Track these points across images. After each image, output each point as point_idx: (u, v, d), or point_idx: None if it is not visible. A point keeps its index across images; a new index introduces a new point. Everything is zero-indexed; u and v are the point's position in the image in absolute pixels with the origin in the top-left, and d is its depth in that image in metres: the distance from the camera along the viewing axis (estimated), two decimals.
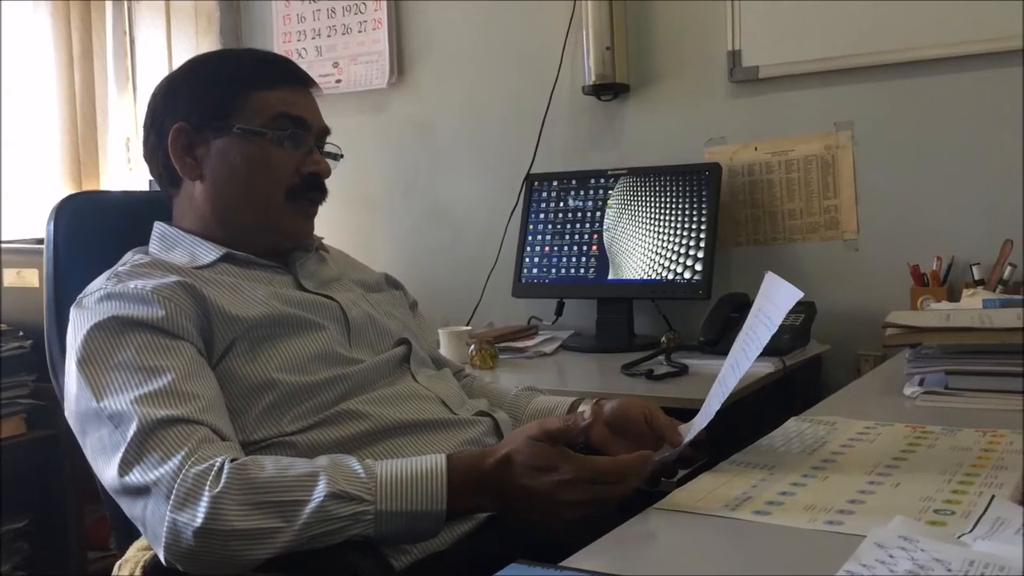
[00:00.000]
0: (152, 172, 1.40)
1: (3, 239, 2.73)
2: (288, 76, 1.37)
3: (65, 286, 1.36)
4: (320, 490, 1.03)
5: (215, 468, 1.03)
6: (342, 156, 1.45)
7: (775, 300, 1.16)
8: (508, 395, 1.53)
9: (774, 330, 1.13)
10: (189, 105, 1.33)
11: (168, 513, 1.02)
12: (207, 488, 1.02)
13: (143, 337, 1.15)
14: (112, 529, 1.35)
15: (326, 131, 1.41)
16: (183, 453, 1.05)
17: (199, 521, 1.00)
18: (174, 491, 1.02)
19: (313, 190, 1.37)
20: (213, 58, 1.44)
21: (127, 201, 1.64)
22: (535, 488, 1.06)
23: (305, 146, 1.36)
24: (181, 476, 1.03)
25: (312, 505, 1.02)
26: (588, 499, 1.06)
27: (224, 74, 1.36)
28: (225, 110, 1.32)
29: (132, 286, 1.19)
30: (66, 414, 1.20)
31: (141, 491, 1.05)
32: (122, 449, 1.07)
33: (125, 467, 1.06)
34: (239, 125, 1.31)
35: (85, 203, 1.49)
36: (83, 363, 1.14)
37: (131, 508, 1.08)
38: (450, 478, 1.07)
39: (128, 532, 1.29)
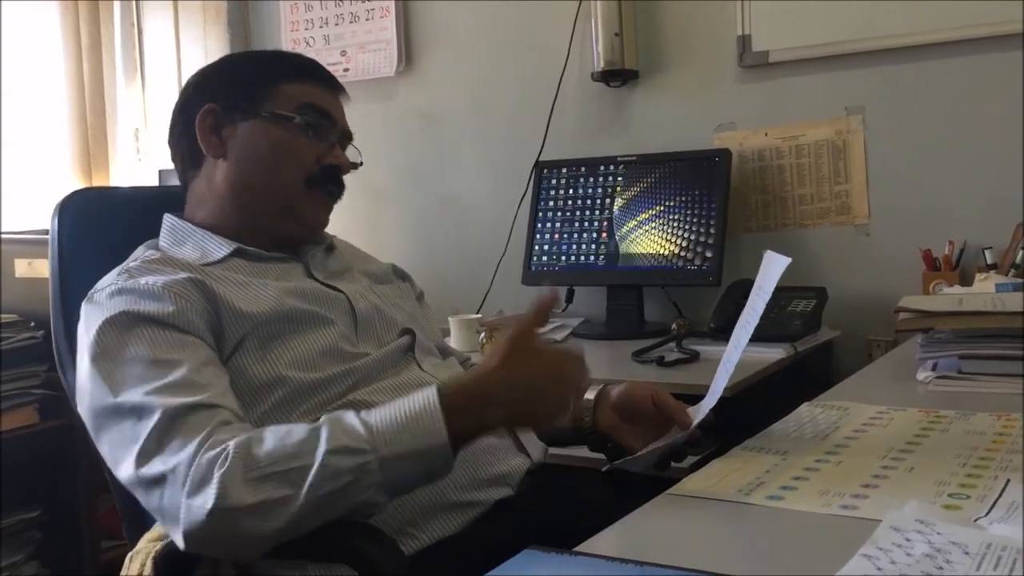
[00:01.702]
0: (173, 156, 1.42)
1: (15, 230, 2.74)
2: (318, 75, 1.41)
3: (71, 282, 1.36)
4: (321, 450, 1.02)
5: (225, 451, 1.03)
6: (361, 164, 1.46)
7: (768, 272, 1.17)
8: None
9: (767, 298, 1.14)
10: (220, 90, 1.36)
11: (183, 499, 1.02)
12: (216, 470, 1.02)
13: (155, 332, 1.15)
14: (123, 521, 1.36)
15: (349, 135, 1.44)
16: (200, 438, 1.05)
17: (211, 503, 1.00)
18: (189, 477, 1.02)
19: (331, 182, 1.38)
20: (247, 54, 1.49)
21: (131, 197, 1.65)
22: (518, 377, 1.08)
23: (328, 139, 1.38)
24: (196, 463, 1.03)
25: (316, 466, 1.02)
26: (565, 365, 1.13)
27: (256, 66, 1.41)
28: (255, 95, 1.34)
29: (143, 282, 1.19)
30: (79, 409, 1.20)
31: (158, 481, 1.05)
32: (140, 441, 1.07)
33: (143, 458, 1.06)
34: (267, 109, 1.34)
35: (89, 199, 1.50)
36: (96, 359, 1.14)
37: (148, 499, 1.08)
38: (444, 404, 1.05)
39: (139, 524, 1.29)
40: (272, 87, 1.35)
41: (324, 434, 1.04)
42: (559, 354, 1.15)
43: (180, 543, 1.05)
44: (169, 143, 1.42)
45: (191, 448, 1.04)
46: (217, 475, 1.01)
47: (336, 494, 1.02)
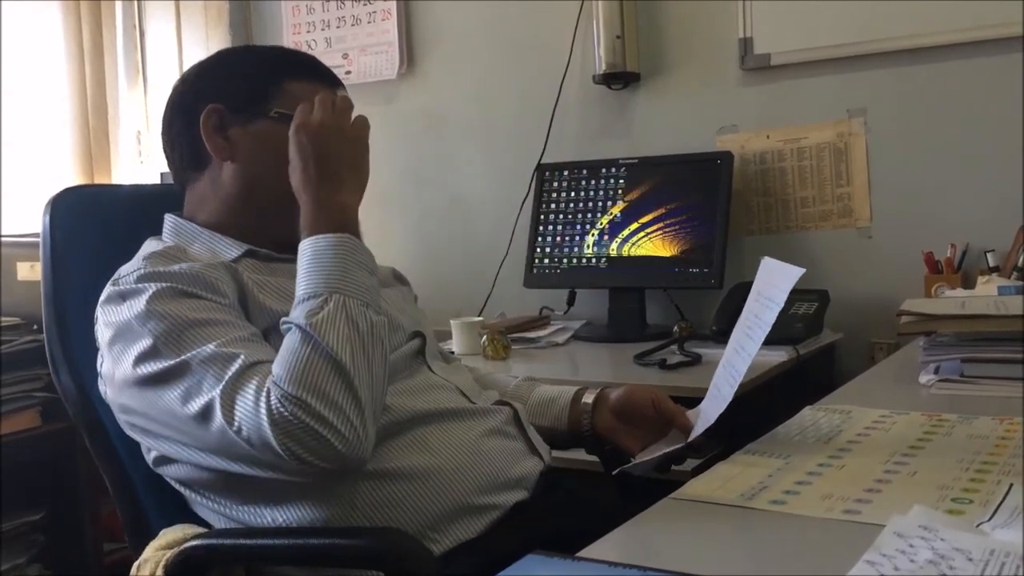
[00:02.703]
0: (171, 159, 1.38)
1: (16, 233, 2.74)
2: (319, 71, 1.39)
3: (63, 280, 1.34)
4: (305, 327, 1.08)
5: (270, 390, 1.06)
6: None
7: (776, 281, 1.16)
8: (508, 386, 1.53)
9: (778, 310, 1.13)
10: (224, 90, 1.33)
11: (273, 430, 1.03)
12: (274, 404, 1.04)
13: (204, 303, 1.16)
14: (124, 526, 1.34)
15: None
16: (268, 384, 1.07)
17: (299, 423, 1.03)
18: (268, 413, 1.04)
19: None
20: (245, 49, 1.48)
21: (124, 194, 1.61)
22: (308, 164, 1.21)
23: None
24: (268, 400, 1.05)
25: (317, 337, 1.07)
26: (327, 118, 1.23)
27: (259, 63, 1.39)
28: (262, 95, 1.32)
29: (176, 268, 1.19)
30: (111, 391, 1.18)
31: (245, 418, 1.05)
32: (219, 387, 1.07)
33: (227, 400, 1.06)
34: (276, 109, 1.31)
35: (80, 196, 1.46)
36: (154, 333, 1.12)
37: (234, 444, 1.06)
38: (310, 235, 1.18)
39: (141, 529, 1.28)
40: (277, 86, 1.33)
41: (295, 323, 1.10)
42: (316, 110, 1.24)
43: (292, 468, 1.05)
44: (164, 142, 1.39)
45: (266, 389, 1.06)
46: (274, 402, 1.04)
47: (351, 335, 1.09)
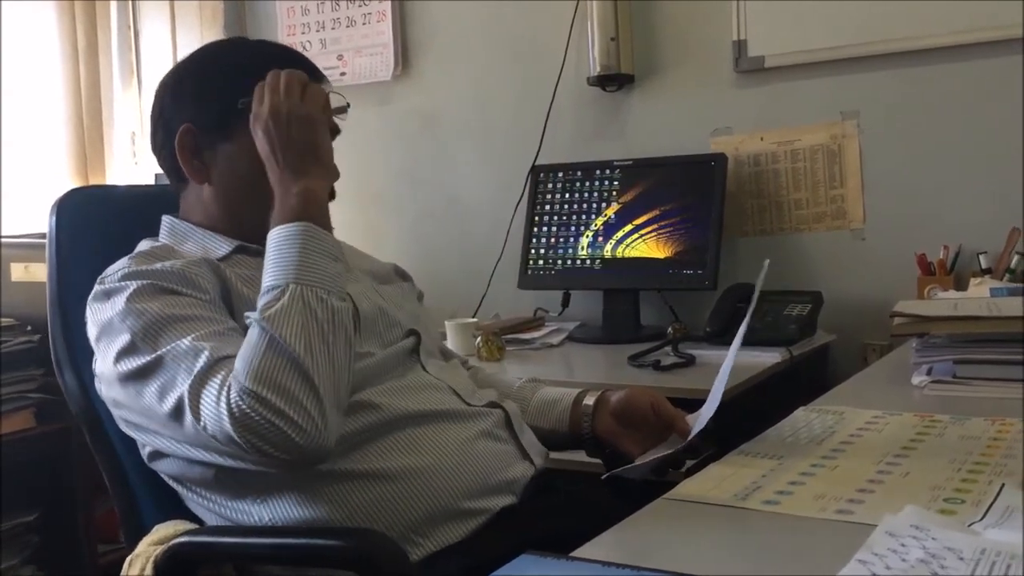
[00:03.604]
0: (160, 165, 1.39)
1: (10, 234, 2.74)
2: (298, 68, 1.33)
3: (68, 281, 1.36)
4: (260, 322, 1.09)
5: (226, 381, 1.07)
6: (348, 106, 1.37)
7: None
8: (512, 387, 1.53)
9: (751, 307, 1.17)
10: (195, 106, 1.32)
11: (221, 412, 1.05)
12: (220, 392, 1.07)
13: (183, 299, 1.17)
14: (121, 523, 1.35)
15: (335, 130, 1.34)
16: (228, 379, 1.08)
17: (258, 416, 1.04)
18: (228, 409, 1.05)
19: None
20: (217, 53, 1.41)
21: (128, 195, 1.64)
22: (267, 144, 1.21)
23: None
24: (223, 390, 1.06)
25: (272, 330, 1.08)
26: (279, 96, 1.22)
27: (227, 74, 1.33)
28: (231, 115, 1.29)
29: (158, 266, 1.20)
30: (104, 387, 1.20)
31: (209, 413, 1.07)
32: (188, 381, 1.08)
33: (193, 395, 1.08)
34: (243, 130, 1.27)
35: (86, 197, 1.48)
36: (132, 330, 1.14)
37: (194, 425, 1.08)
38: (273, 227, 1.18)
39: (137, 526, 1.29)
40: (249, 95, 1.27)
41: (253, 317, 1.10)
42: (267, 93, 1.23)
43: (255, 459, 1.06)
44: (152, 151, 1.39)
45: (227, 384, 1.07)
46: (235, 396, 1.05)
47: (308, 325, 1.09)
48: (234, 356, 1.10)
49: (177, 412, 1.09)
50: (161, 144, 1.36)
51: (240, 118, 1.28)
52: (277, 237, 1.17)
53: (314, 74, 1.35)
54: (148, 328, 1.14)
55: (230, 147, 1.31)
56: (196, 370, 1.09)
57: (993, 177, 2.14)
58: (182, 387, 1.09)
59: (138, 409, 1.16)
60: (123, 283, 1.19)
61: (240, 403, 1.04)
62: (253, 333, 1.10)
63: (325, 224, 1.20)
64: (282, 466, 1.08)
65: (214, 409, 1.06)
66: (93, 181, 3.27)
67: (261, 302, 1.12)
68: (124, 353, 1.14)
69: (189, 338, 1.12)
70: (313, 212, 1.19)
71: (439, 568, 1.15)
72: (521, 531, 1.16)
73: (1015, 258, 2.03)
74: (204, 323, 1.15)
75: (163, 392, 1.11)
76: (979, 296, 1.77)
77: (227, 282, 1.22)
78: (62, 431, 2.37)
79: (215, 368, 1.09)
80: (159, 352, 1.12)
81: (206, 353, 1.10)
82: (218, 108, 1.31)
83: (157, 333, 1.13)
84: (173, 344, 1.12)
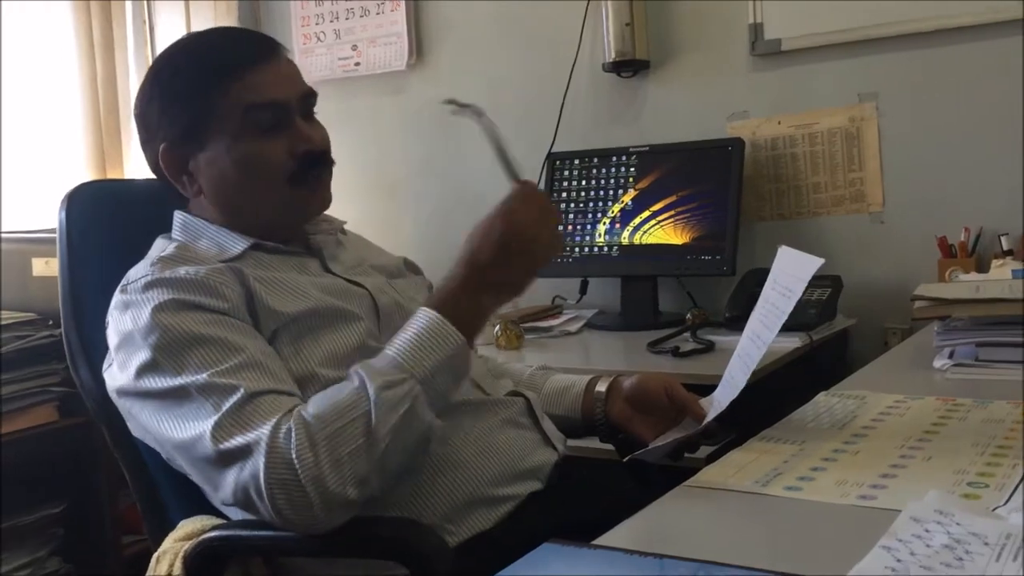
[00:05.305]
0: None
1: (30, 228, 2.76)
2: (245, 59, 1.29)
3: (80, 275, 1.35)
4: (371, 392, 1.08)
5: (289, 426, 1.06)
6: (316, 95, 1.36)
7: (794, 271, 1.15)
8: (523, 375, 1.53)
9: (795, 300, 1.12)
10: (165, 125, 1.30)
11: (265, 469, 1.04)
12: (292, 441, 1.04)
13: (208, 316, 1.15)
14: (144, 518, 1.35)
15: (308, 96, 1.33)
16: (278, 417, 1.07)
17: (295, 469, 1.03)
18: (269, 448, 1.04)
19: (315, 167, 1.32)
20: (175, 64, 1.35)
21: (139, 189, 1.62)
22: (489, 246, 1.17)
23: (289, 127, 1.29)
24: (275, 435, 1.05)
25: (373, 408, 1.07)
26: (536, 218, 1.19)
27: (187, 84, 1.30)
28: (199, 123, 1.28)
29: (183, 272, 1.19)
30: (117, 395, 1.20)
31: (242, 453, 1.06)
32: (216, 416, 1.07)
33: (221, 432, 1.07)
34: (216, 134, 1.27)
35: (96, 191, 1.47)
36: (155, 347, 1.13)
37: (224, 474, 1.08)
38: (442, 312, 1.14)
39: (160, 521, 1.29)
40: (209, 105, 1.26)
41: (367, 380, 1.09)
42: (524, 203, 1.22)
43: (267, 513, 1.05)
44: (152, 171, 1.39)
45: (271, 423, 1.06)
46: (294, 444, 1.04)
47: (401, 426, 1.08)
48: (270, 392, 1.10)
49: (195, 444, 1.09)
50: (153, 165, 1.36)
51: (206, 122, 1.27)
52: (434, 325, 1.14)
53: (268, 55, 1.31)
54: (172, 346, 1.12)
55: (208, 154, 1.29)
56: (227, 406, 1.08)
57: (1014, 158, 2.12)
58: (205, 422, 1.08)
59: (153, 430, 1.16)
60: (146, 294, 1.17)
61: (295, 435, 1.04)
62: (351, 390, 1.09)
63: (473, 337, 1.18)
64: (284, 526, 1.07)
65: (252, 445, 1.05)
66: (111, 175, 3.29)
67: (382, 375, 1.10)
68: (146, 370, 1.14)
69: (213, 370, 1.10)
70: (474, 330, 1.17)
71: (472, 555, 1.15)
72: (548, 517, 1.16)
73: None
74: (231, 351, 1.13)
75: (184, 422, 1.10)
76: (1001, 278, 1.75)
77: (250, 289, 1.20)
78: (85, 424, 2.39)
79: (252, 405, 1.08)
80: (183, 381, 1.11)
81: (241, 390, 1.09)
82: (184, 122, 1.29)
83: (181, 353, 1.12)
84: (197, 373, 1.10)
